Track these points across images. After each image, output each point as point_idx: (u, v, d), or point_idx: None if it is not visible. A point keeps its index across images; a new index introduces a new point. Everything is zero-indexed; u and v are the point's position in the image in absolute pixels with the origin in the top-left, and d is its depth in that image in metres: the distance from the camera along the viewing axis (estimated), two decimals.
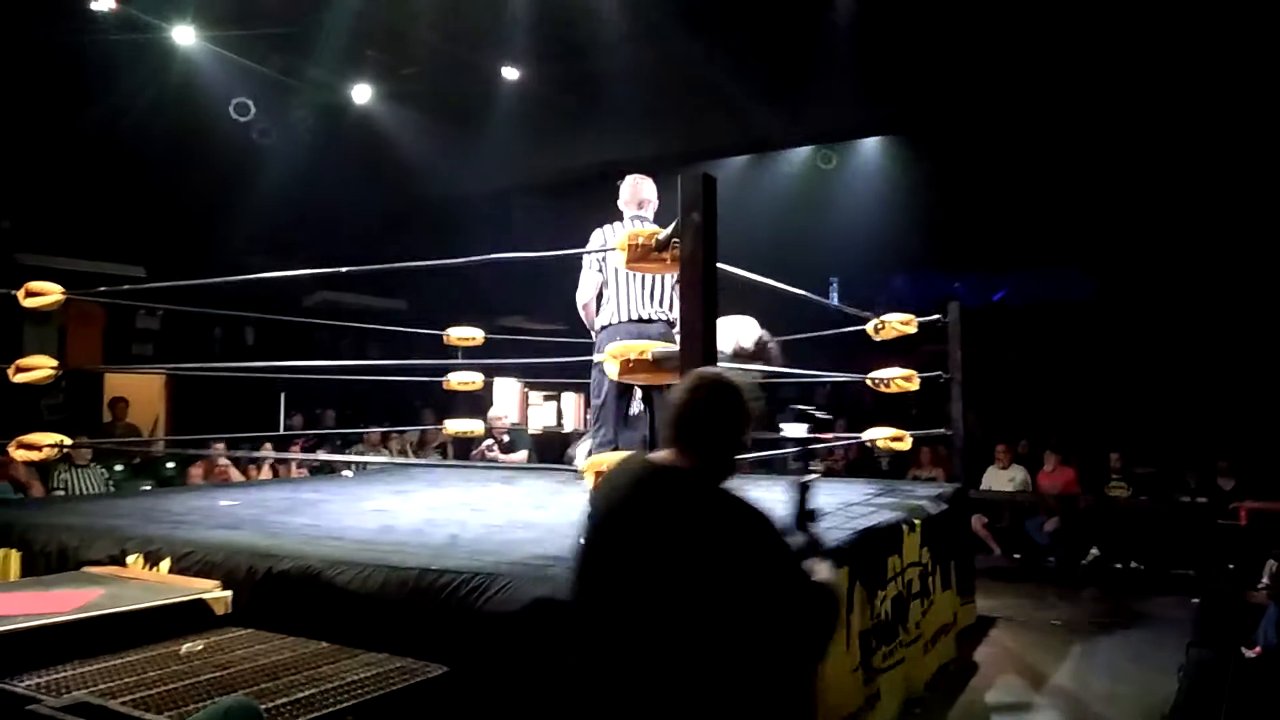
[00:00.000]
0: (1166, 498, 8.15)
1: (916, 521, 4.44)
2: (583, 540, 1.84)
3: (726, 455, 1.86)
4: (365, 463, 7.41)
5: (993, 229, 10.89)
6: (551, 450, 10.69)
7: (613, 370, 2.72)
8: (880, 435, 5.50)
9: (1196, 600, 6.20)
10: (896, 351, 5.68)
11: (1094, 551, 8.10)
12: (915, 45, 8.71)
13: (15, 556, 3.60)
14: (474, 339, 6.20)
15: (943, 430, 6.15)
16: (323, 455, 7.88)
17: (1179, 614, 6.05)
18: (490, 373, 6.26)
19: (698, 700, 1.68)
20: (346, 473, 6.62)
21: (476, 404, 7.25)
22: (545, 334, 8.65)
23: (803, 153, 11.75)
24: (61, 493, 6.50)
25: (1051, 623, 6.04)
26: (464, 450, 7.50)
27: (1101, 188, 10.11)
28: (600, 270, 3.72)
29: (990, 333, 9.19)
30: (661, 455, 1.86)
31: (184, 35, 8.52)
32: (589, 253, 3.23)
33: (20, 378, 4.41)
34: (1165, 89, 8.57)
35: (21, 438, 4.33)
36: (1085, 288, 11.52)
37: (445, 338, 6.21)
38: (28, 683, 2.32)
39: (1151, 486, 8.42)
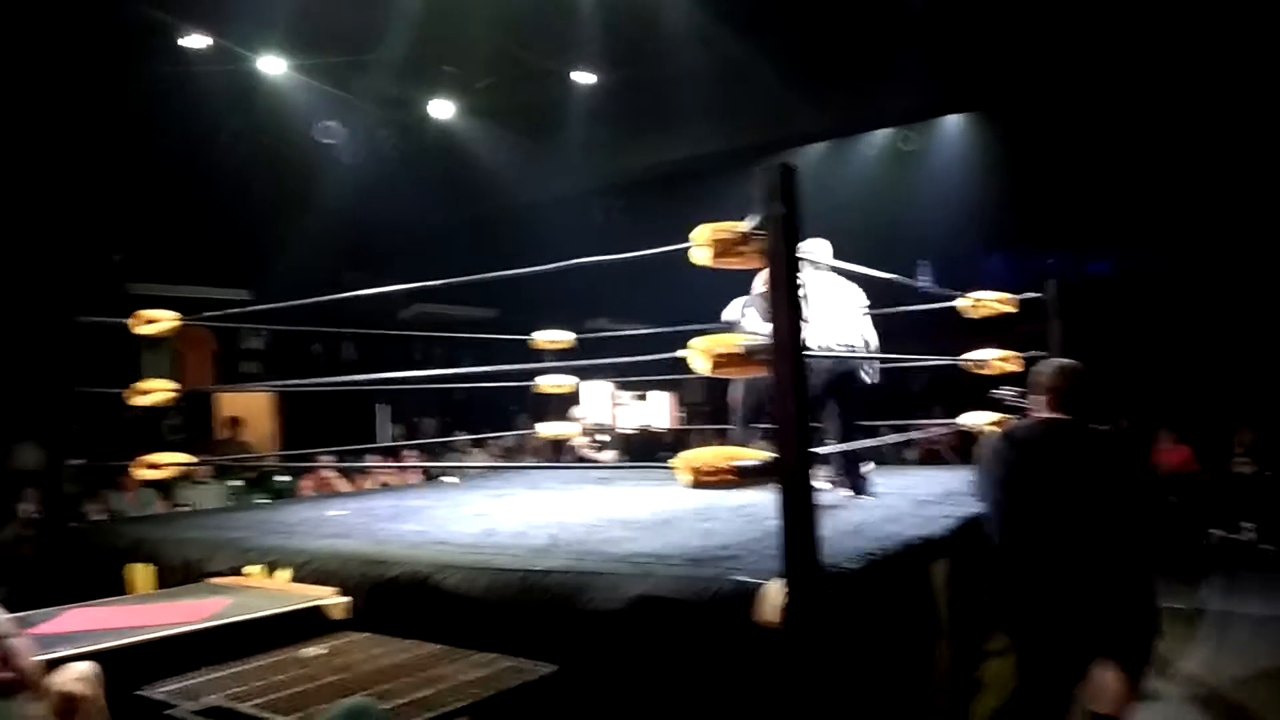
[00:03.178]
0: None
1: None
2: (1008, 471, 2.86)
3: (1091, 412, 2.88)
4: (465, 468, 7.57)
5: (1082, 202, 10.45)
6: (642, 450, 10.70)
7: (705, 366, 2.70)
8: (981, 420, 5.32)
9: None
10: (991, 332, 5.49)
11: (1218, 532, 7.69)
12: (989, 21, 8.44)
13: (151, 570, 3.80)
14: (562, 342, 6.26)
15: None
16: (420, 463, 8.08)
17: None
18: (580, 374, 6.29)
19: (1128, 571, 2.64)
20: (453, 479, 6.76)
21: (570, 407, 7.32)
22: (633, 334, 8.66)
23: (882, 135, 11.52)
24: (186, 508, 6.84)
25: (1174, 608, 5.77)
26: (558, 453, 7.58)
27: (1202, 153, 9.59)
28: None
29: (1090, 308, 8.81)
30: (1047, 416, 2.88)
31: (271, 65, 8.85)
32: (668, 251, 3.08)
33: (138, 400, 4.64)
34: (1250, 56, 8.11)
35: (144, 458, 4.55)
36: (1179, 259, 10.89)
37: (531, 342, 6.28)
38: (165, 689, 2.44)
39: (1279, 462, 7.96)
